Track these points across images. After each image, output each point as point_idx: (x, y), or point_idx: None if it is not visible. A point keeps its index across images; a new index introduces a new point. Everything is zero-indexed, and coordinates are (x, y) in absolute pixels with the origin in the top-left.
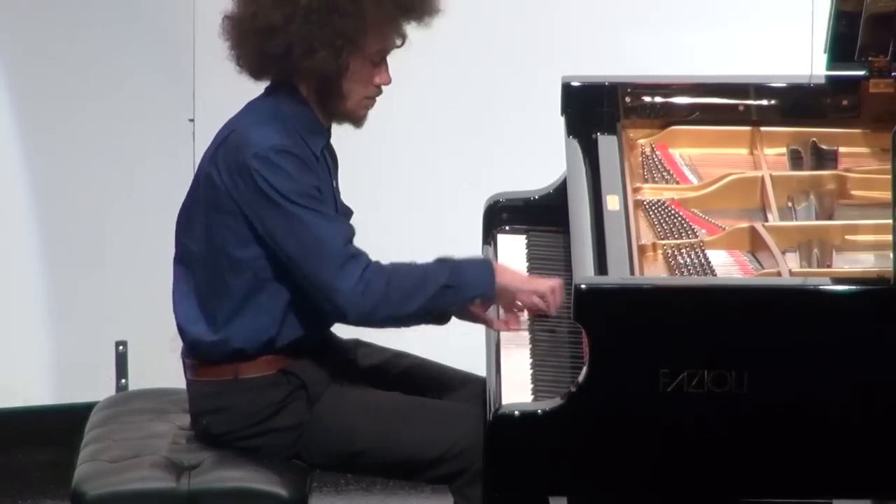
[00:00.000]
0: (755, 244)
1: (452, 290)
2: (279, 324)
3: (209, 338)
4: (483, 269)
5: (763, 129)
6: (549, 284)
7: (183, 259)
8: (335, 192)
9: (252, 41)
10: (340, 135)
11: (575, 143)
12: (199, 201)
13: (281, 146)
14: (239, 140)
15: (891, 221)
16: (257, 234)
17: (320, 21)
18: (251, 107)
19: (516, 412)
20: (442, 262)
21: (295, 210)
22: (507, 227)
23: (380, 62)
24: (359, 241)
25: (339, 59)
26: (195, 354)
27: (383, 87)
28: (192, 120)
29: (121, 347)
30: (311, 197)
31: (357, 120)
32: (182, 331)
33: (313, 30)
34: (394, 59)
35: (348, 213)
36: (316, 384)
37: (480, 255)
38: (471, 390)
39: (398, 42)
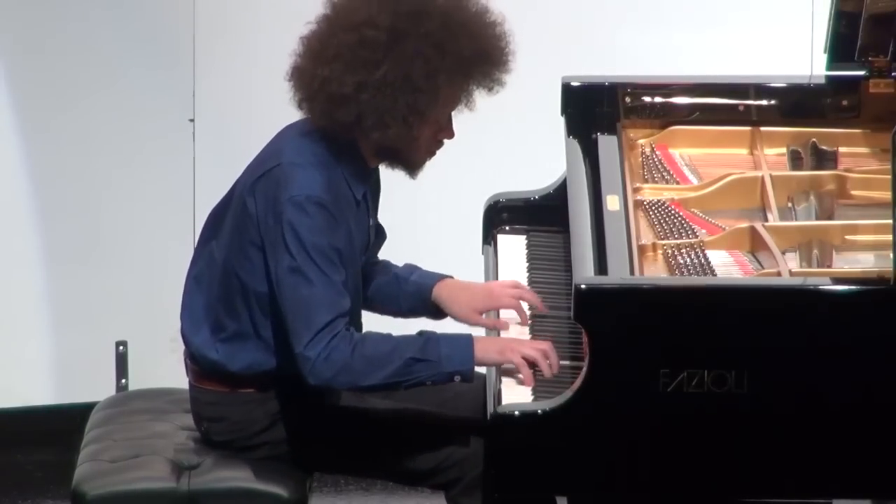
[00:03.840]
0: (755, 244)
1: (424, 365)
2: (279, 360)
3: (209, 355)
4: (461, 345)
5: (763, 129)
6: (539, 349)
7: (202, 265)
8: (370, 231)
9: (321, 103)
10: None
11: (575, 143)
12: (228, 215)
13: (318, 198)
14: (281, 177)
15: (891, 221)
16: (270, 273)
17: (394, 95)
18: (301, 142)
19: (516, 412)
20: (419, 336)
21: (305, 264)
22: (507, 227)
23: (448, 120)
24: None
25: (410, 132)
26: (195, 363)
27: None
28: (192, 120)
29: (121, 347)
30: (326, 257)
31: (414, 171)
32: (185, 338)
33: (386, 103)
34: None
35: (384, 239)
36: (312, 395)
37: (462, 333)
38: (470, 392)
39: (469, 103)
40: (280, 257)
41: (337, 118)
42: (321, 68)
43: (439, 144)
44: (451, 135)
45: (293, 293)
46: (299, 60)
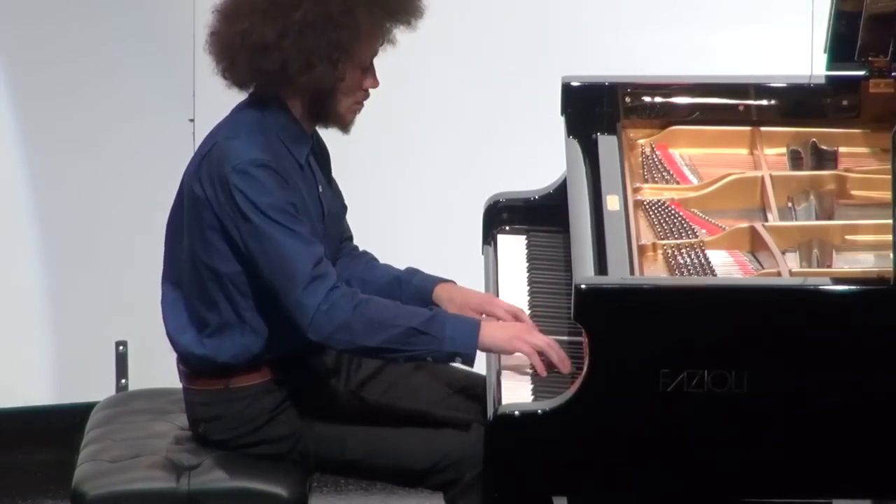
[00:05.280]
0: (755, 244)
1: (425, 338)
2: (266, 340)
3: (198, 350)
4: (467, 328)
5: (763, 129)
6: (547, 341)
7: (172, 268)
8: (321, 198)
9: (245, 58)
10: (340, 134)
11: (575, 143)
12: (184, 212)
13: (261, 160)
14: (220, 153)
15: (891, 221)
16: (238, 250)
17: (315, 35)
18: (234, 119)
19: (516, 412)
20: (427, 309)
21: (267, 226)
22: (507, 227)
23: (368, 67)
24: (359, 241)
25: (336, 71)
26: (186, 364)
27: (371, 91)
28: (192, 120)
29: (121, 347)
30: (286, 213)
31: (346, 125)
32: (172, 340)
33: (309, 44)
34: (395, 60)
35: (342, 210)
36: (309, 392)
37: (470, 317)
38: (468, 391)
39: (385, 46)
40: (241, 227)
41: (263, 69)
42: (239, 24)
43: (365, 95)
44: (375, 83)
45: (265, 257)
46: (215, 27)
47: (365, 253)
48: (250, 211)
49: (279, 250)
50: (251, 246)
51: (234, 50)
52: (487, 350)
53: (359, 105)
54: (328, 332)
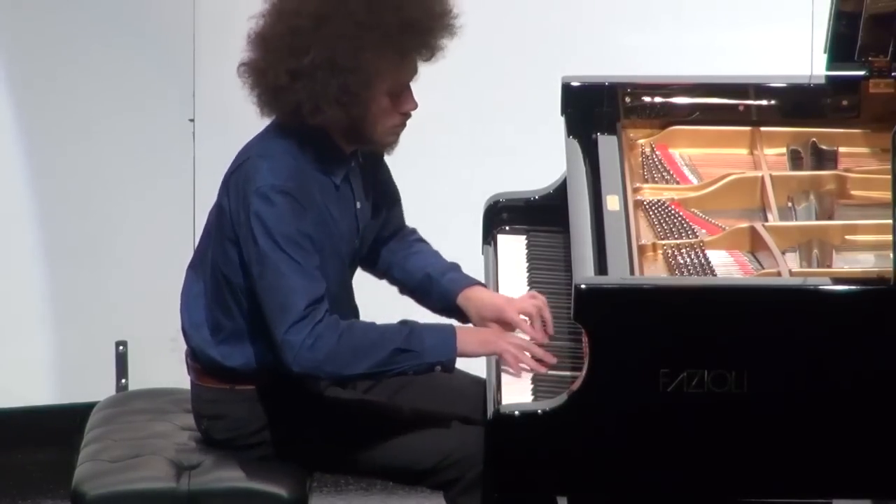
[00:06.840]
0: (755, 244)
1: (408, 355)
2: (273, 354)
3: (209, 350)
4: (444, 337)
5: (763, 129)
6: (517, 343)
7: (202, 261)
8: (357, 214)
9: (264, 95)
10: None
11: (575, 143)
12: (214, 213)
13: (283, 187)
14: (249, 171)
15: (891, 221)
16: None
17: (324, 79)
18: (271, 135)
19: (516, 412)
20: (403, 325)
21: (274, 253)
22: (507, 227)
23: (401, 93)
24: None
25: (348, 114)
26: (196, 359)
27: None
28: (192, 120)
29: (121, 347)
30: (296, 244)
31: (385, 147)
32: (186, 334)
33: (317, 89)
34: None
35: (394, 204)
36: (313, 396)
37: (445, 323)
38: (471, 393)
39: (414, 73)
40: (250, 250)
41: (278, 108)
42: (259, 61)
43: (403, 117)
44: (412, 106)
45: (265, 283)
46: (245, 57)
47: (410, 235)
48: (262, 236)
49: (279, 280)
50: (255, 270)
51: (254, 84)
52: (464, 355)
53: (397, 128)
54: (314, 364)
